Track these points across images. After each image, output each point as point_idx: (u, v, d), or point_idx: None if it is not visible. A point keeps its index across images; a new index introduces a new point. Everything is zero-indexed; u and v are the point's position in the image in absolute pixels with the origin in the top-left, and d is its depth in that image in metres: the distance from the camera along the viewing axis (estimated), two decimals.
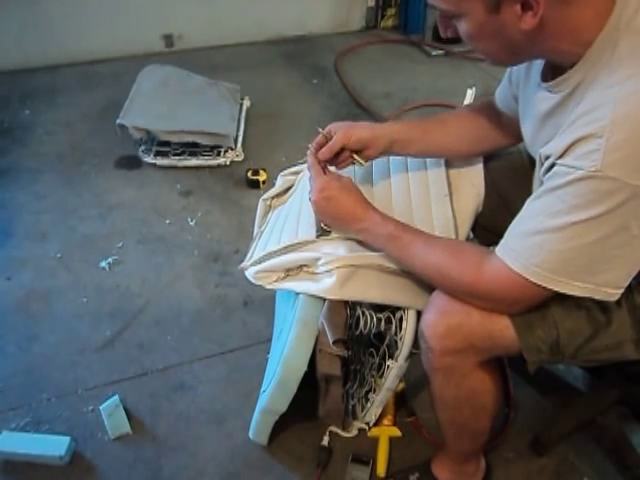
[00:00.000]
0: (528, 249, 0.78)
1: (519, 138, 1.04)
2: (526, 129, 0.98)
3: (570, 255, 0.76)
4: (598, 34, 0.74)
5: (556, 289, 0.78)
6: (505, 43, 0.79)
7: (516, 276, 0.80)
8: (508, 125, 1.10)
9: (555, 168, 0.77)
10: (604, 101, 0.72)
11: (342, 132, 1.10)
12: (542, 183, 0.81)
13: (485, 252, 0.86)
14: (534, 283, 0.78)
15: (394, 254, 0.98)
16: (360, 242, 1.07)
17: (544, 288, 0.78)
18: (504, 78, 1.08)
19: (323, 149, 1.10)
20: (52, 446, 1.25)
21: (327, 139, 1.12)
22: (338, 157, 1.12)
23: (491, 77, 2.79)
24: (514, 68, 1.03)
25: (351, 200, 1.02)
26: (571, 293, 0.78)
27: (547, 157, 0.79)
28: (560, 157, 0.76)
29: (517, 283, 0.80)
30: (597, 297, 0.79)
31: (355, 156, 1.12)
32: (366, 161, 1.13)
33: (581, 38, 0.76)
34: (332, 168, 1.14)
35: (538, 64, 0.90)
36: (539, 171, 0.83)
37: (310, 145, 1.13)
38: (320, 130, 1.13)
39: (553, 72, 0.84)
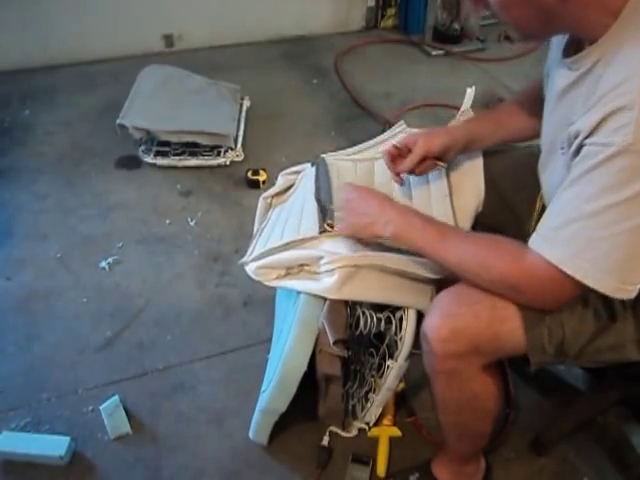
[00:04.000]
0: (565, 239, 0.76)
1: None
2: (545, 107, 0.97)
3: (606, 246, 0.73)
4: (626, 3, 0.74)
5: (589, 284, 0.75)
6: (538, 9, 0.78)
7: (554, 269, 0.76)
8: None
9: (585, 149, 0.75)
10: (631, 73, 0.70)
11: (422, 142, 1.11)
12: (567, 168, 0.79)
13: (522, 245, 0.83)
14: (571, 276, 0.75)
15: (427, 255, 0.94)
16: (361, 241, 1.07)
17: (580, 282, 0.75)
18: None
19: (405, 163, 1.12)
20: (52, 446, 1.25)
21: (400, 150, 1.14)
22: (418, 165, 1.14)
23: (491, 77, 2.79)
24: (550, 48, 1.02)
25: (376, 206, 1.02)
26: (604, 292, 0.75)
27: (576, 136, 0.77)
28: (589, 136, 0.74)
29: (554, 277, 0.77)
30: (620, 296, 0.76)
31: (438, 162, 1.13)
32: (446, 163, 1.15)
33: (609, 5, 0.75)
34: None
35: (561, 40, 0.90)
36: (567, 153, 0.81)
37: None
38: (394, 144, 1.15)
39: (575, 50, 0.84)
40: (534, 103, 1.13)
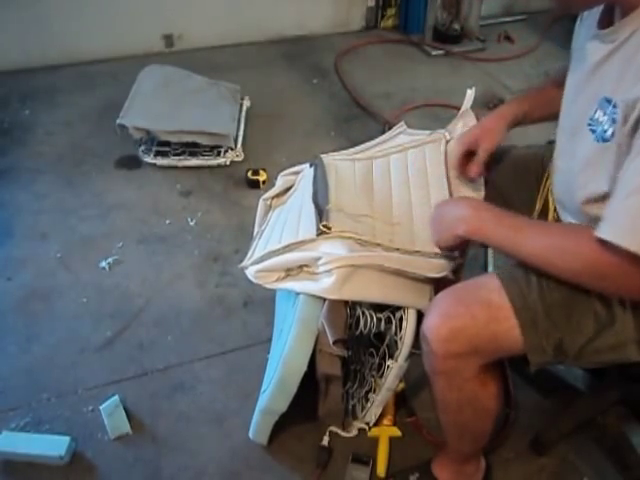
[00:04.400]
0: (633, 221, 0.73)
1: None
2: (569, 87, 0.96)
3: None
4: None
5: None
6: None
7: (626, 253, 0.74)
8: None
9: None
10: None
11: (486, 144, 1.12)
12: (624, 145, 0.78)
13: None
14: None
15: (506, 250, 0.92)
16: (359, 242, 1.07)
17: None
18: None
19: (475, 169, 1.13)
20: (52, 446, 1.25)
21: (465, 152, 1.15)
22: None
23: (491, 77, 2.79)
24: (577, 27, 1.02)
25: (456, 208, 1.02)
26: None
27: (633, 107, 0.75)
28: None
29: (628, 261, 0.74)
30: None
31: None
32: None
33: None
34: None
35: (595, 13, 0.90)
36: (620, 126, 0.79)
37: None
38: (461, 150, 1.17)
39: (607, 23, 0.84)
40: None
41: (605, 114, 0.83)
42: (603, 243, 0.76)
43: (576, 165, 0.91)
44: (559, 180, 1.02)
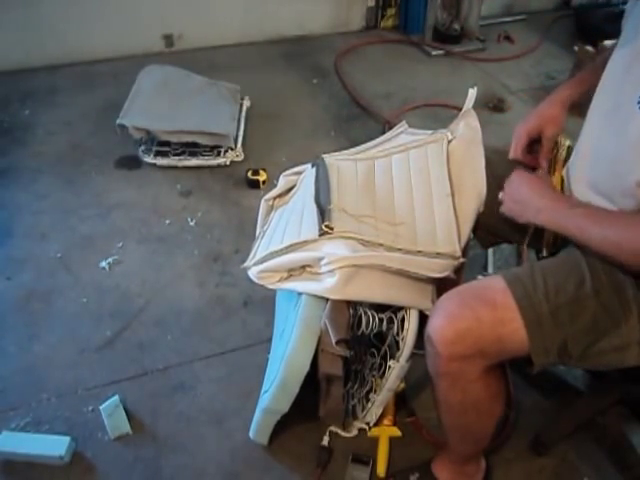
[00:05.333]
0: None
1: None
2: (616, 65, 0.94)
3: None
4: None
5: None
6: None
7: None
8: None
9: None
10: None
11: (550, 132, 1.12)
12: None
13: None
14: None
15: (578, 238, 0.92)
16: (361, 242, 1.07)
17: None
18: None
19: (543, 159, 1.14)
20: (52, 446, 1.25)
21: (527, 140, 1.14)
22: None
23: (491, 77, 2.79)
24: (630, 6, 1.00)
25: (534, 193, 1.00)
26: None
27: None
28: None
29: None
30: None
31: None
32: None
33: None
34: None
35: None
36: None
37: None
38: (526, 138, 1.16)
39: None
40: None
41: None
42: None
43: (625, 146, 0.88)
44: (594, 165, 0.99)
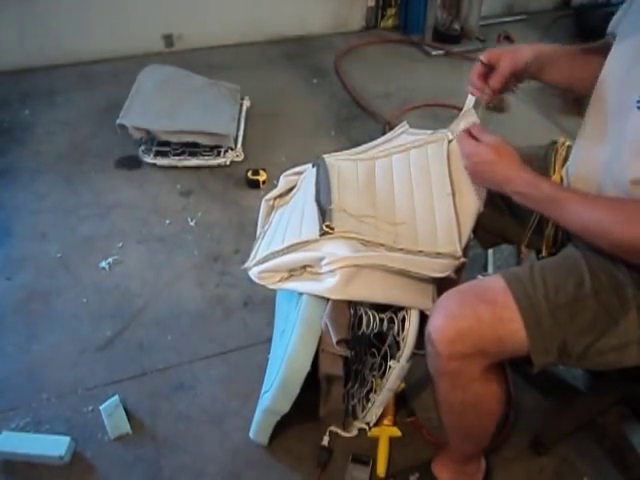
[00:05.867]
0: None
1: None
2: (614, 66, 0.94)
3: None
4: None
5: None
6: None
7: None
8: None
9: None
10: None
11: (509, 58, 1.08)
12: None
13: None
14: None
15: (550, 214, 0.94)
16: (362, 242, 1.07)
17: None
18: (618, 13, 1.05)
19: (495, 79, 1.09)
20: (52, 446, 1.25)
21: (486, 67, 1.11)
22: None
23: None
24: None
25: (502, 162, 0.99)
26: None
27: None
28: None
29: None
30: None
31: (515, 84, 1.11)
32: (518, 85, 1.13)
33: None
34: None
35: None
36: None
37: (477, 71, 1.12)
38: (480, 59, 1.12)
39: None
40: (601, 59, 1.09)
41: None
42: None
43: (621, 145, 0.89)
44: (592, 164, 0.98)
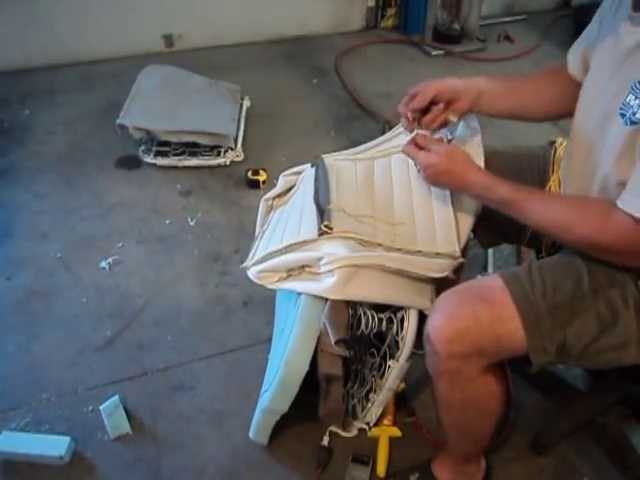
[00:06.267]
0: None
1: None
2: (599, 75, 0.95)
3: None
4: None
5: None
6: None
7: None
8: (575, 93, 1.08)
9: None
10: None
11: (433, 82, 1.10)
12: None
13: (608, 204, 0.84)
14: None
15: (511, 215, 0.96)
16: (360, 242, 1.07)
17: None
18: (582, 36, 1.09)
19: (416, 100, 1.11)
20: (52, 446, 1.25)
21: (412, 97, 1.14)
22: (428, 113, 1.12)
23: None
24: (602, 12, 1.03)
25: (457, 169, 1.01)
26: None
27: None
28: None
29: None
30: None
31: (450, 114, 1.12)
32: (458, 116, 1.13)
33: None
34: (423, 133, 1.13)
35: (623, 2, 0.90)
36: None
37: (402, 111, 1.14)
38: (411, 91, 1.15)
39: None
40: (553, 84, 1.12)
41: (637, 98, 0.82)
42: (619, 220, 0.81)
43: (606, 152, 0.90)
44: (578, 168, 1.00)
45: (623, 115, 0.84)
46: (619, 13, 0.93)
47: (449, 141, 1.24)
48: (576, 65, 1.09)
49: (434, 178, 1.05)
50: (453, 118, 1.12)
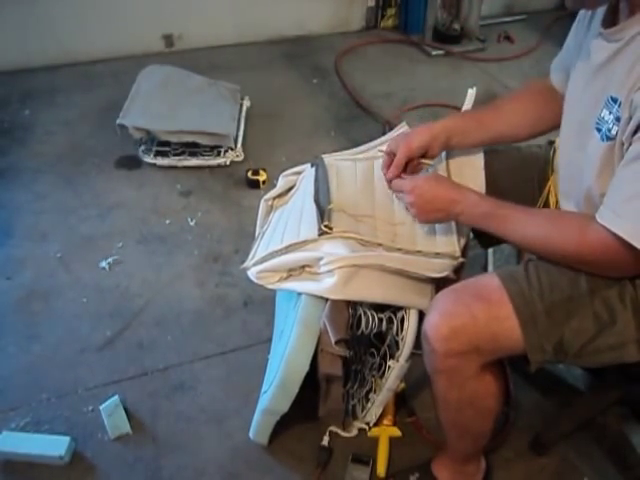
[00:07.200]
0: (635, 213, 0.77)
1: None
2: (575, 87, 0.97)
3: None
4: None
5: None
6: None
7: (621, 242, 0.79)
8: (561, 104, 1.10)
9: None
10: None
11: (402, 146, 1.12)
12: (627, 142, 0.80)
13: (587, 219, 0.86)
14: None
15: (494, 231, 0.97)
16: (360, 242, 1.07)
17: None
18: (563, 48, 1.10)
19: (391, 169, 1.13)
20: (52, 446, 1.25)
21: (392, 157, 1.14)
22: (407, 168, 1.14)
23: (491, 77, 2.79)
24: (577, 26, 1.03)
25: (442, 188, 1.03)
26: None
27: (635, 108, 0.77)
28: None
29: (623, 249, 0.80)
30: None
31: (422, 160, 1.14)
32: (433, 159, 1.16)
33: None
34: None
35: (599, 12, 0.91)
36: (611, 130, 0.82)
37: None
38: (380, 151, 1.18)
39: (614, 21, 0.85)
40: (529, 103, 1.14)
41: (610, 113, 0.83)
42: (595, 233, 0.82)
43: (587, 164, 0.91)
44: (566, 176, 1.02)
45: (599, 130, 0.86)
46: (591, 29, 0.95)
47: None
48: (559, 77, 1.11)
49: (421, 198, 1.04)
50: (429, 162, 1.16)
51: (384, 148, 1.18)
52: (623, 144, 0.81)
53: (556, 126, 1.11)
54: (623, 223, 0.78)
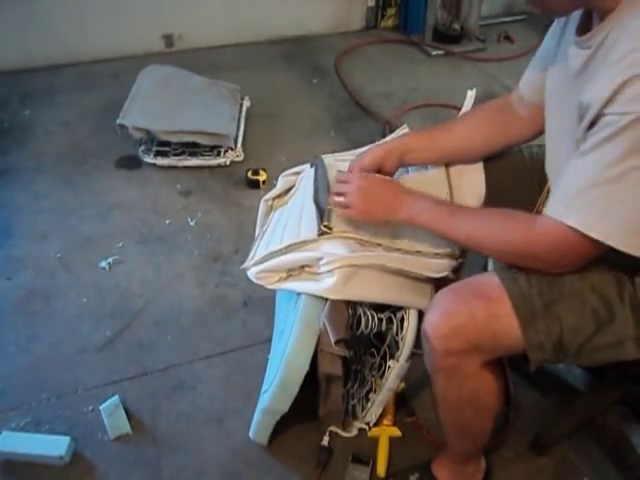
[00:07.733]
0: (586, 204, 0.78)
1: (539, 130, 1.07)
2: (554, 96, 0.98)
3: (633, 206, 0.75)
4: None
5: (613, 245, 0.77)
6: None
7: (574, 233, 0.79)
8: (528, 118, 1.12)
9: (604, 119, 0.76)
10: None
11: (355, 164, 1.16)
12: (582, 140, 0.80)
13: (532, 214, 0.87)
14: (593, 239, 0.78)
15: (441, 229, 0.98)
16: (360, 242, 1.07)
17: (601, 243, 0.78)
18: (533, 58, 1.12)
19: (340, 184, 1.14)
20: (52, 446, 1.25)
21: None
22: None
23: (491, 77, 2.79)
24: (549, 36, 1.06)
25: (390, 185, 1.05)
26: (628, 251, 0.77)
27: (587, 107, 0.78)
28: (606, 106, 0.75)
29: (574, 241, 0.80)
30: None
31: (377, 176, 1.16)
32: (391, 176, 1.17)
33: None
34: None
35: (574, 20, 0.92)
36: (576, 129, 0.82)
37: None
38: (341, 171, 1.20)
39: (587, 28, 0.85)
40: (482, 122, 1.16)
41: (582, 119, 0.83)
42: (544, 228, 0.83)
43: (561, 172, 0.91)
44: (554, 179, 1.02)
45: (572, 137, 0.86)
46: (565, 36, 0.96)
47: None
48: (532, 92, 1.13)
49: (364, 194, 1.05)
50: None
51: None
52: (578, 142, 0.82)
53: (515, 143, 1.16)
54: (574, 214, 0.79)
